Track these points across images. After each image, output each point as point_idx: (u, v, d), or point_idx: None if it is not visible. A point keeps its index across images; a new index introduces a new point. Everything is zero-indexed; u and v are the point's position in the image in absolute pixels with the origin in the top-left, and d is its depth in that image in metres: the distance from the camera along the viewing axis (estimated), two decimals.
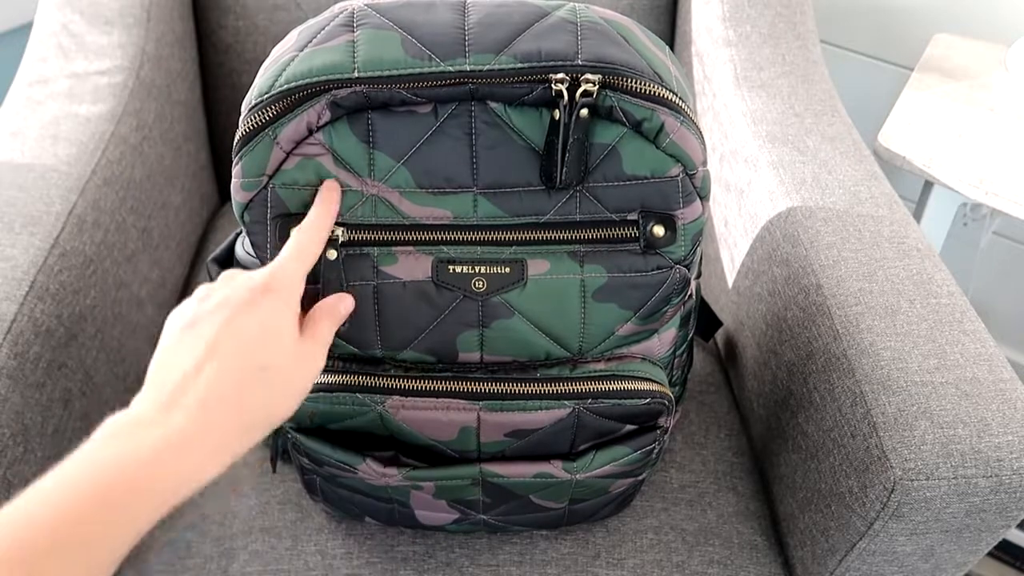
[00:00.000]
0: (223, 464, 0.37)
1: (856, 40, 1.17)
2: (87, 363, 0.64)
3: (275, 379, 0.40)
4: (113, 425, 0.36)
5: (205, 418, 0.37)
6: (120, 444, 0.35)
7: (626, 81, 0.46)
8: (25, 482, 0.56)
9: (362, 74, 0.45)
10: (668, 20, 1.00)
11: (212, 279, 0.58)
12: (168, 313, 0.82)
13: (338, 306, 0.47)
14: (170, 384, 0.38)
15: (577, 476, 0.55)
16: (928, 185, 0.95)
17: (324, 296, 0.49)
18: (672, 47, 1.02)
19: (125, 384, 0.71)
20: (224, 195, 1.04)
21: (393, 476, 0.54)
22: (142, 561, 0.63)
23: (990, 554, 1.23)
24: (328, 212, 0.47)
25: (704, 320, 0.73)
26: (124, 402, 0.70)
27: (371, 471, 0.54)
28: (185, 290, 0.88)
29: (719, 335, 0.85)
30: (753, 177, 0.75)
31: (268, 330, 0.41)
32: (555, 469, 0.54)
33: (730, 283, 0.81)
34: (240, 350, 0.39)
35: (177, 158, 0.87)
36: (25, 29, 1.23)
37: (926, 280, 0.62)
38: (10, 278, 0.59)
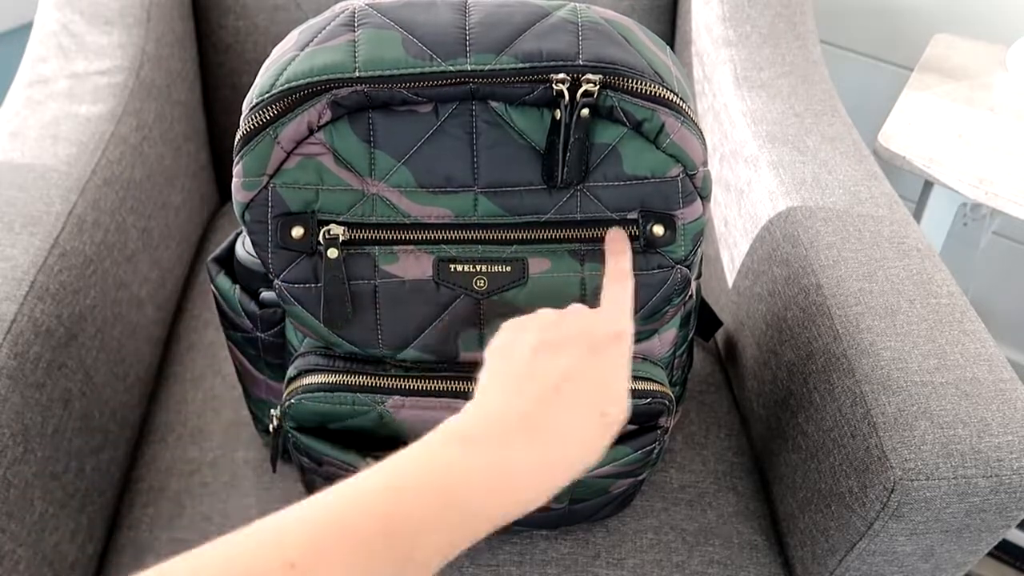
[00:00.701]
0: (537, 505, 0.35)
1: (856, 40, 1.17)
2: (87, 363, 0.64)
3: (610, 424, 0.39)
4: (459, 434, 0.35)
5: (545, 454, 0.36)
6: (458, 457, 0.34)
7: (627, 81, 0.46)
8: (25, 482, 0.56)
9: (363, 74, 0.45)
10: (668, 20, 1.00)
11: (212, 279, 0.57)
12: (169, 313, 0.82)
13: None
14: (518, 404, 0.37)
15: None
16: (928, 185, 0.95)
17: (326, 295, 0.49)
18: (672, 47, 1.02)
19: (125, 384, 0.70)
20: (224, 195, 1.04)
21: None
22: (142, 565, 0.63)
23: (990, 554, 1.23)
24: (625, 257, 0.48)
25: (704, 320, 0.73)
26: (124, 402, 0.70)
27: None
28: (185, 290, 0.87)
29: (719, 335, 0.85)
30: (753, 177, 0.75)
31: (617, 375, 0.40)
32: None
33: (730, 283, 0.81)
34: (593, 390, 0.39)
35: (177, 158, 0.87)
36: (25, 29, 1.23)
37: (926, 280, 0.62)
38: (10, 278, 0.59)
